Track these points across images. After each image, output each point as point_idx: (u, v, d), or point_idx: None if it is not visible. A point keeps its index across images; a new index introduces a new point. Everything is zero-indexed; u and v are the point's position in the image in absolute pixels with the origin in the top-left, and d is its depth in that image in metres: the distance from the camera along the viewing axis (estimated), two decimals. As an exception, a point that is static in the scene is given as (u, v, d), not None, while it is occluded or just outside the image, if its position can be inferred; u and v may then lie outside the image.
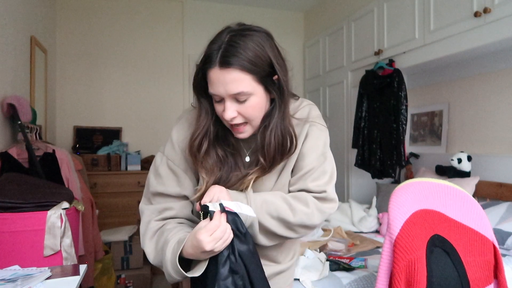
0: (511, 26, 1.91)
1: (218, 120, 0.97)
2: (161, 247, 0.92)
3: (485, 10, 2.00)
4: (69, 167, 2.15)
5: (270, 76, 0.90)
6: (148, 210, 1.00)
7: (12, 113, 2.05)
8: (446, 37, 2.29)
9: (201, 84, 0.93)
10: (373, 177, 2.92)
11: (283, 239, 1.00)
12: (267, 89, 0.91)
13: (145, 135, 3.88)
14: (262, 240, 0.96)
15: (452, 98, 2.71)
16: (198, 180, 1.01)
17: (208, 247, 0.79)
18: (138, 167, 3.51)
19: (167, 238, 0.92)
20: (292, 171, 1.02)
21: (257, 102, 0.90)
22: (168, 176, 0.99)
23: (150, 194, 1.01)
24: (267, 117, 0.94)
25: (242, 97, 0.87)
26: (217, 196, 0.89)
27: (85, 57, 3.71)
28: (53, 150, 2.13)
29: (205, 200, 0.89)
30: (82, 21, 3.69)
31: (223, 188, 0.92)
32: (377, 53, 2.92)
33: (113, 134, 3.72)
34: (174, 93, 3.98)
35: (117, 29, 3.80)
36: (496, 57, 2.34)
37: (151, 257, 0.96)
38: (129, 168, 3.50)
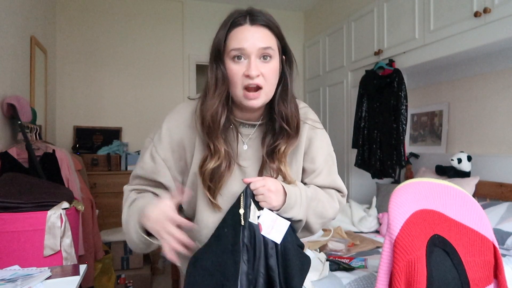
0: (511, 26, 1.91)
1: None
2: (133, 205, 0.96)
3: (485, 10, 2.00)
4: (69, 167, 2.15)
5: (283, 52, 0.96)
6: (126, 190, 1.04)
7: (12, 113, 2.05)
8: (446, 37, 2.29)
9: (219, 50, 0.92)
10: (373, 177, 2.92)
11: (308, 233, 1.06)
12: (281, 61, 0.96)
13: (145, 135, 3.83)
14: (299, 235, 1.02)
15: (452, 98, 2.71)
16: (181, 173, 1.02)
17: (152, 217, 0.85)
18: (138, 167, 3.51)
19: (136, 198, 0.97)
20: (302, 174, 1.06)
21: (276, 67, 0.93)
22: (149, 162, 1.01)
23: (131, 176, 1.05)
24: (282, 91, 0.97)
25: (269, 52, 0.90)
26: (269, 186, 0.91)
27: (85, 57, 3.71)
28: (53, 150, 2.13)
29: (255, 185, 0.91)
30: (82, 21, 3.69)
31: (278, 182, 0.94)
32: (377, 53, 2.92)
33: (113, 134, 3.72)
34: (174, 93, 3.98)
35: (117, 29, 3.80)
36: (496, 57, 2.34)
37: (123, 221, 0.97)
38: (129, 168, 3.50)
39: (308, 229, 1.03)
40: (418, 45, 2.53)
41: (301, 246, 1.01)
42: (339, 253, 1.95)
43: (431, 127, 2.89)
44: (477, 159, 2.42)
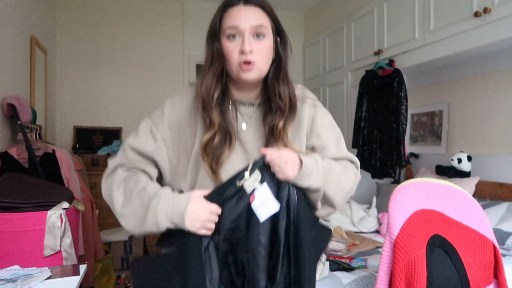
0: (511, 26, 1.91)
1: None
2: (140, 190, 0.94)
3: (485, 10, 2.00)
4: (69, 167, 2.15)
5: (277, 33, 1.00)
6: (116, 159, 1.04)
7: (12, 113, 2.05)
8: (446, 37, 2.29)
9: (215, 29, 0.97)
10: (373, 177, 2.92)
11: (331, 209, 1.05)
12: (275, 41, 0.99)
13: (145, 135, 3.87)
14: (319, 209, 1.02)
15: (452, 98, 2.71)
16: (177, 155, 1.02)
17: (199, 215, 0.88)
18: (138, 167, 3.51)
19: (147, 183, 0.96)
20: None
21: (269, 45, 0.97)
22: (147, 136, 1.02)
23: (122, 148, 1.05)
24: (277, 70, 1.00)
25: (262, 30, 0.95)
26: (285, 157, 0.91)
27: (85, 57, 3.70)
28: (53, 150, 2.13)
29: (271, 157, 0.91)
30: (82, 21, 3.69)
31: (294, 152, 0.94)
32: (377, 53, 2.92)
33: (113, 134, 3.72)
34: (174, 93, 3.97)
35: (117, 29, 3.80)
36: (496, 57, 2.33)
37: (119, 204, 0.96)
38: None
39: (329, 203, 1.01)
40: (418, 45, 2.53)
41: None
42: (339, 253, 1.95)
43: (431, 127, 2.89)
44: (477, 159, 2.42)
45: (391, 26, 2.80)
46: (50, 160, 2.08)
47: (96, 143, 3.65)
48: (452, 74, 2.69)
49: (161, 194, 0.93)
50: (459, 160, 2.39)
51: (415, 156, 2.95)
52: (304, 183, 0.93)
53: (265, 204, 0.91)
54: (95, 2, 3.73)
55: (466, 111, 2.60)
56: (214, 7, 1.02)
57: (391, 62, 2.76)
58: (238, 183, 0.91)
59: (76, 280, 1.19)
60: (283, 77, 1.01)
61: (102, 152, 3.49)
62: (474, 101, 2.54)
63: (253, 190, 0.91)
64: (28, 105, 2.16)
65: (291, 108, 1.01)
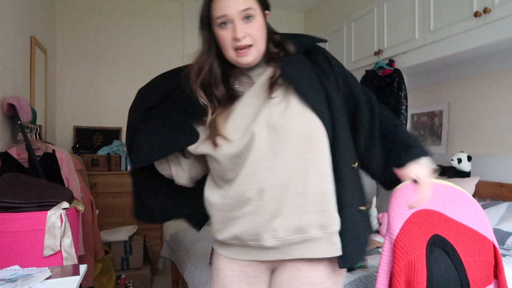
0: (511, 26, 1.91)
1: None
2: None
3: (485, 10, 2.00)
4: (69, 167, 2.15)
5: (264, 8, 1.03)
6: None
7: (12, 113, 2.05)
8: (446, 37, 2.29)
9: (204, 19, 1.02)
10: (373, 177, 2.92)
11: None
12: (264, 16, 1.02)
13: (145, 135, 3.87)
14: None
15: (452, 98, 2.71)
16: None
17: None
18: (138, 167, 3.50)
19: None
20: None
21: (260, 24, 1.00)
22: None
23: None
24: (272, 41, 1.05)
25: (250, 13, 0.97)
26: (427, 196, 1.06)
27: (85, 57, 3.71)
28: (53, 150, 2.13)
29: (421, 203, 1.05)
30: (82, 21, 3.69)
31: (432, 181, 1.08)
32: (377, 53, 2.92)
33: (113, 134, 3.72)
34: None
35: (117, 29, 3.80)
36: (496, 57, 2.33)
37: None
38: (129, 168, 3.49)
39: None
40: (418, 45, 2.53)
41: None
42: (339, 253, 1.94)
43: (431, 127, 2.89)
44: (477, 159, 2.42)
45: (391, 26, 2.80)
46: (50, 160, 2.08)
47: (96, 143, 3.65)
48: (452, 74, 2.69)
49: None
50: (459, 160, 2.39)
51: (415, 156, 2.95)
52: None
53: None
54: (95, 2, 3.74)
55: (466, 111, 2.60)
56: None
57: (391, 62, 2.76)
58: None
59: (76, 280, 1.19)
60: (281, 38, 1.05)
61: (102, 152, 3.50)
62: (474, 101, 2.54)
63: None
64: (28, 105, 2.16)
65: (285, 50, 1.04)
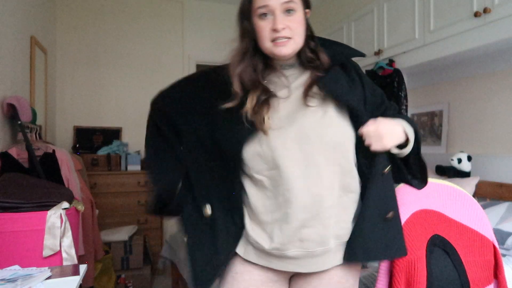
0: (511, 26, 1.91)
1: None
2: None
3: (485, 10, 2.00)
4: (69, 167, 2.15)
5: (306, 6, 1.02)
6: None
7: (12, 113, 2.05)
8: (446, 37, 2.29)
9: (245, 9, 1.00)
10: (373, 177, 2.92)
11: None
12: (305, 14, 1.02)
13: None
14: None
15: (452, 98, 2.71)
16: None
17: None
18: (138, 167, 3.51)
19: None
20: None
21: (300, 18, 0.99)
22: None
23: None
24: (309, 41, 1.05)
25: (292, 6, 0.96)
26: (379, 130, 0.97)
27: (85, 57, 3.70)
28: (53, 150, 2.13)
29: (363, 131, 0.98)
30: (82, 21, 3.69)
31: (393, 121, 1.01)
32: (377, 53, 2.92)
33: (113, 134, 3.72)
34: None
35: (117, 29, 3.80)
36: (496, 57, 2.33)
37: None
38: (129, 168, 3.50)
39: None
40: (418, 45, 2.53)
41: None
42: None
43: (431, 127, 2.89)
44: (477, 159, 2.42)
45: (391, 26, 2.80)
46: (50, 160, 2.08)
47: (96, 143, 3.65)
48: (452, 74, 2.69)
49: None
50: (459, 160, 2.39)
51: (415, 156, 2.95)
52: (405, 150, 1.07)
53: None
54: (95, 2, 3.73)
55: (466, 111, 2.60)
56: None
57: (391, 62, 2.76)
58: None
59: (76, 280, 1.19)
60: (316, 46, 1.05)
61: (102, 152, 3.50)
62: (474, 101, 2.54)
63: None
64: (28, 105, 2.16)
65: (319, 60, 1.04)
